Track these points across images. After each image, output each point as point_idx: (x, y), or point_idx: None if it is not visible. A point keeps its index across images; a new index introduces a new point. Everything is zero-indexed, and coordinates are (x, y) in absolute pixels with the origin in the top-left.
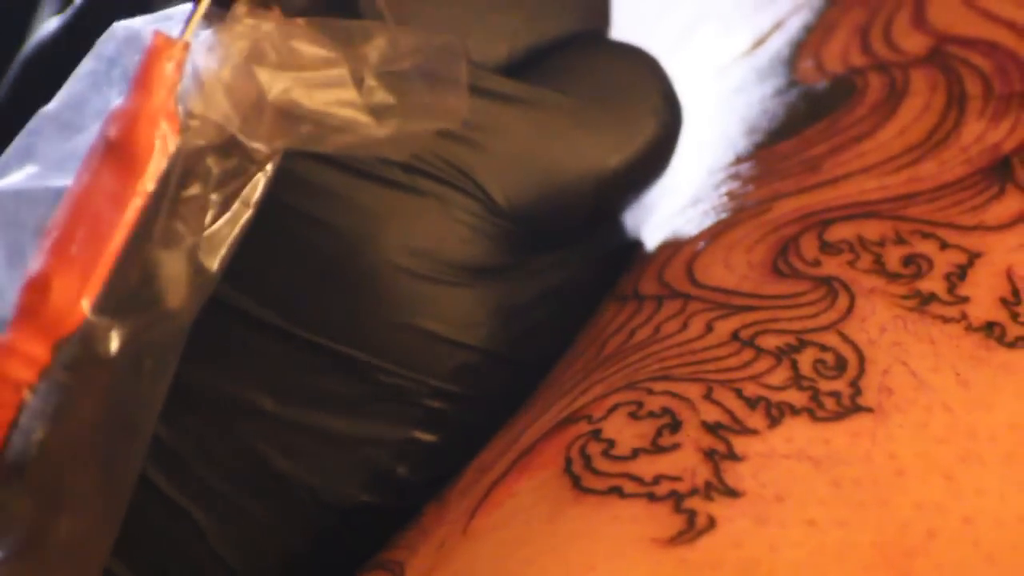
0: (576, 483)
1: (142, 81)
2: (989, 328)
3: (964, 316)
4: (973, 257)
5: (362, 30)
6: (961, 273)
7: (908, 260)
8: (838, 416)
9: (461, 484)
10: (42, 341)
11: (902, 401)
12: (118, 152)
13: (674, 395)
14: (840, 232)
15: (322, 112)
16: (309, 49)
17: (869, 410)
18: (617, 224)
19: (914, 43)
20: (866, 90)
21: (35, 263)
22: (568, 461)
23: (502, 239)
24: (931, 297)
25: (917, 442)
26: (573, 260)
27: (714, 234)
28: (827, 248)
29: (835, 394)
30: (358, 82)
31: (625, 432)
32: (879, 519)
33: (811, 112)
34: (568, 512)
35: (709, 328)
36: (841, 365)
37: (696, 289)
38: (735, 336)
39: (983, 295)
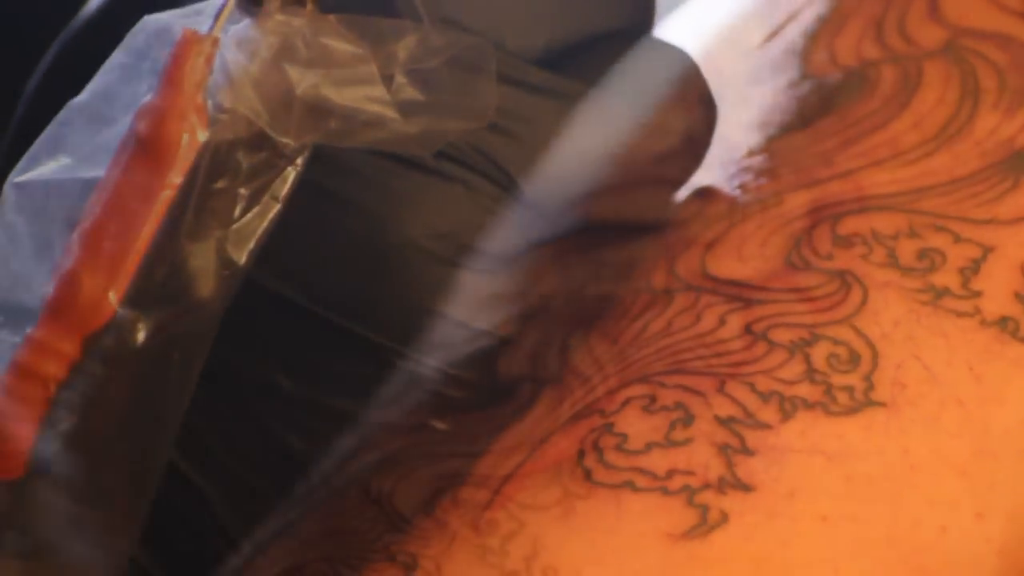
0: (588, 476)
1: (171, 76)
2: (1003, 322)
3: (978, 310)
4: (987, 251)
5: (393, 28)
6: (975, 267)
7: (922, 254)
8: (851, 411)
9: (474, 476)
10: (71, 336)
11: (915, 396)
12: (147, 147)
13: (687, 389)
14: (853, 226)
15: (351, 108)
16: (339, 46)
17: (882, 405)
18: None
19: (928, 36)
20: (879, 83)
21: (65, 258)
22: (581, 454)
23: (526, 227)
24: (945, 291)
25: (930, 437)
26: (592, 250)
27: (727, 227)
28: (840, 242)
29: (848, 388)
30: (387, 79)
31: (638, 426)
32: (892, 515)
33: (824, 105)
34: (580, 506)
35: (722, 321)
36: (854, 359)
37: (709, 282)
38: (748, 330)
39: (997, 289)
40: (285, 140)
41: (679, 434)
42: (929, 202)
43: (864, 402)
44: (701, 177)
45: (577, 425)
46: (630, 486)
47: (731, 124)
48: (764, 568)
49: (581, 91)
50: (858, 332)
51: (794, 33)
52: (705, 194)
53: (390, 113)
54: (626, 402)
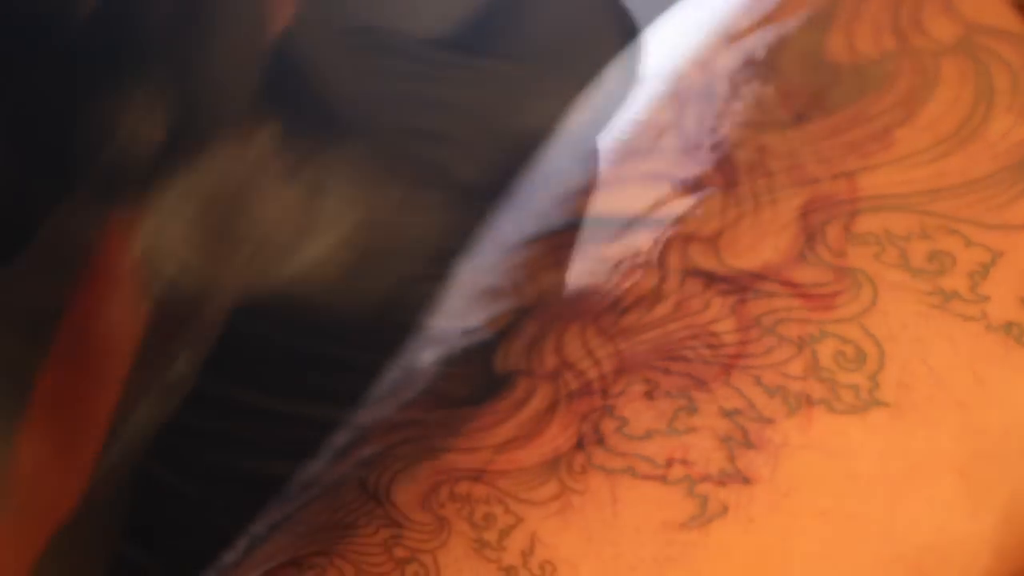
0: (586, 466)
1: (103, 268)
2: (1008, 327)
3: (984, 315)
4: (995, 256)
5: (324, 163)
6: (984, 272)
7: (932, 256)
8: (855, 409)
9: (471, 470)
10: (36, 537)
11: (919, 398)
12: (88, 345)
13: (692, 378)
14: (867, 224)
15: (280, 244)
16: (270, 192)
17: (886, 405)
18: None
19: (943, 30)
20: (898, 76)
21: (24, 456)
22: (577, 447)
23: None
24: (953, 295)
25: (932, 439)
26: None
27: (741, 215)
28: (854, 239)
29: (853, 387)
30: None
31: (640, 411)
32: (890, 513)
33: (843, 94)
34: (577, 500)
35: (732, 311)
36: (861, 358)
37: (722, 269)
38: (757, 322)
39: (1003, 295)
40: (218, 285)
41: (682, 423)
42: (942, 204)
43: (869, 401)
44: (695, 172)
45: (573, 419)
46: (630, 472)
47: (724, 119)
48: (762, 561)
49: (507, 71)
50: (866, 331)
51: (805, 14)
52: (699, 189)
53: (322, 246)
54: (628, 384)
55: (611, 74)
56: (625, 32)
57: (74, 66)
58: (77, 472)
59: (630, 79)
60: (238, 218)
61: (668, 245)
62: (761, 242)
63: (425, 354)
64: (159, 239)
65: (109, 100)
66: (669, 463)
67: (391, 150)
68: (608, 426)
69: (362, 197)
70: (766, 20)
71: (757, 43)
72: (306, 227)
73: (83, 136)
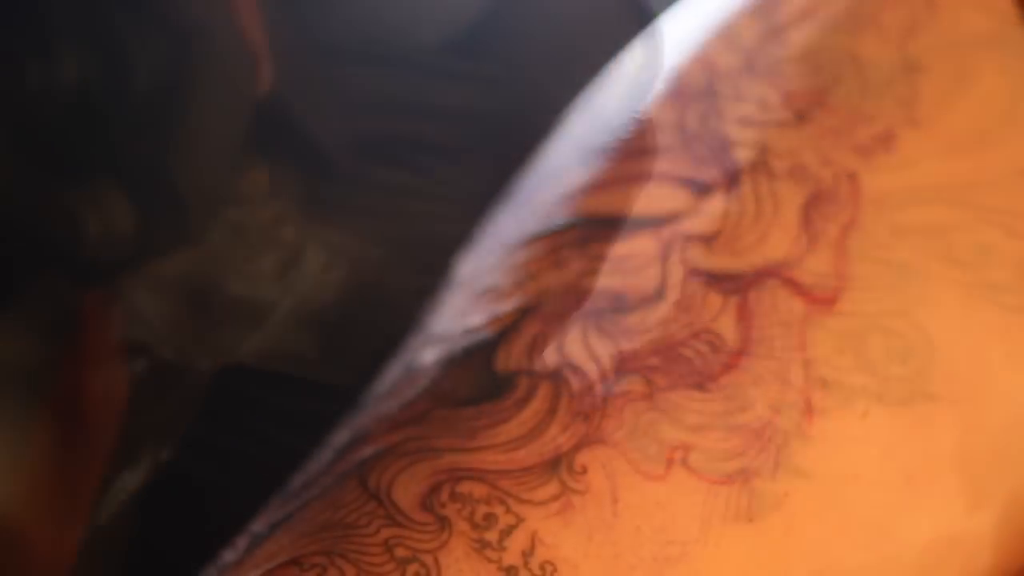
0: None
1: (84, 344)
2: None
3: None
4: None
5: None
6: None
7: (977, 248)
8: (904, 402)
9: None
10: None
11: (968, 390)
12: (75, 415)
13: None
14: (911, 216)
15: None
16: (247, 265)
17: (935, 397)
18: None
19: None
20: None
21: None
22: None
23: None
24: (999, 286)
25: (982, 432)
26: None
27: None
28: (898, 232)
29: (902, 379)
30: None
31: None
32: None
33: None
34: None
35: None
36: (910, 350)
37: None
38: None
39: None
40: (194, 361)
41: (735, 418)
42: (981, 196)
43: (917, 394)
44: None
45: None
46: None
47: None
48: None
49: (506, 72)
50: (914, 323)
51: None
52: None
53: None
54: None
55: (631, 67)
56: (644, 27)
57: (47, 150)
58: (71, 536)
59: (651, 71)
60: (213, 295)
61: (670, 244)
62: (763, 241)
63: (426, 353)
64: (138, 317)
65: (76, 192)
66: (669, 463)
67: (383, 183)
68: (608, 426)
69: (343, 260)
70: (767, 19)
71: (758, 42)
72: (282, 297)
73: (54, 224)
